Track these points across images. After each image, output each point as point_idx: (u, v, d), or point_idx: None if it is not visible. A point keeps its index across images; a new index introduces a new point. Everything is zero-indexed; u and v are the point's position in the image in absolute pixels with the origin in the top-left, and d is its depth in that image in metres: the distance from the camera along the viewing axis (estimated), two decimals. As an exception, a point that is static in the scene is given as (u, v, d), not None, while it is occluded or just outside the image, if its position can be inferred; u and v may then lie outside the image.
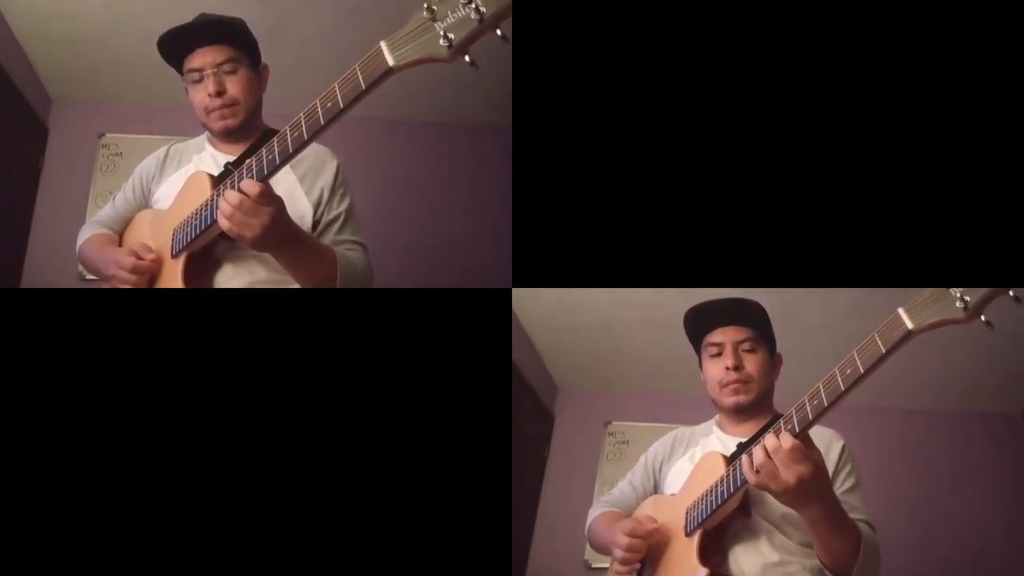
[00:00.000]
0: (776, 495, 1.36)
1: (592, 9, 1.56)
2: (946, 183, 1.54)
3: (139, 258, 1.55)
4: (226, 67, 1.60)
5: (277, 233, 1.39)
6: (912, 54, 1.54)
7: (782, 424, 1.36)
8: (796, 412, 1.35)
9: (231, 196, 1.36)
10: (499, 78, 1.84)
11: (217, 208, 1.40)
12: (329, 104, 1.28)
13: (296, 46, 2.32)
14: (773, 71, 1.55)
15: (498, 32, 1.17)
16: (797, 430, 1.33)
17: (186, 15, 1.67)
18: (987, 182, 1.53)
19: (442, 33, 1.17)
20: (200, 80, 1.61)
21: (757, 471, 1.35)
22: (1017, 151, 1.53)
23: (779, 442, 1.33)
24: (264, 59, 1.70)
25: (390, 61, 1.22)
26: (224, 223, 1.38)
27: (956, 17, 1.52)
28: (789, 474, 1.32)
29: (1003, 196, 1.53)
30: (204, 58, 1.60)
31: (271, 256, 1.51)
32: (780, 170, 1.56)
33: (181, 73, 1.65)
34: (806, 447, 1.34)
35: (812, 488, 1.33)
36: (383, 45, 1.22)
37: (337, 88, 1.28)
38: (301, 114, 1.31)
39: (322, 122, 1.29)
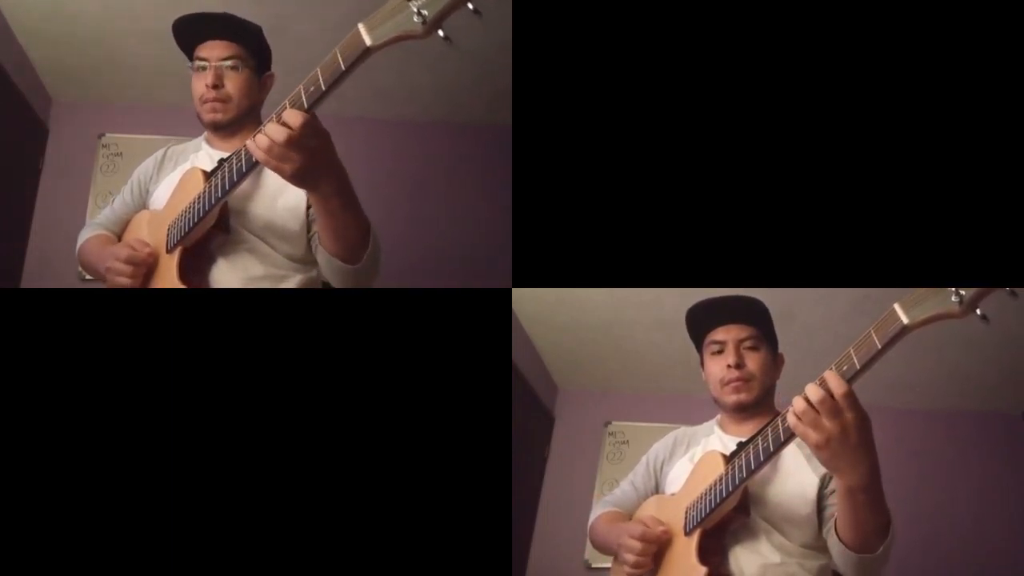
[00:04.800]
0: (818, 447, 1.24)
1: (592, 9, 1.57)
2: (946, 183, 1.54)
3: (134, 250, 1.56)
4: (229, 63, 1.64)
5: (319, 167, 1.34)
6: (912, 54, 1.54)
7: (779, 422, 1.36)
8: None
9: (274, 130, 1.30)
10: (499, 78, 1.84)
11: (255, 143, 1.34)
12: (312, 88, 1.30)
13: (296, 46, 2.32)
14: (773, 71, 1.55)
15: (470, 6, 1.20)
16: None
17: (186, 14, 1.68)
18: (987, 182, 1.53)
19: (416, 10, 1.21)
20: (204, 70, 1.64)
21: (799, 418, 1.24)
22: (1017, 151, 1.53)
23: (825, 390, 1.22)
24: (264, 61, 1.72)
25: (368, 41, 1.25)
26: (261, 156, 1.32)
27: (956, 17, 1.53)
28: (834, 423, 1.22)
29: (1003, 196, 1.53)
30: (211, 51, 1.64)
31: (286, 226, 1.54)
32: (780, 170, 1.56)
33: (190, 58, 1.68)
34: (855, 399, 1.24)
35: (855, 443, 1.23)
36: (360, 27, 1.25)
37: (319, 71, 1.30)
38: (286, 100, 1.33)
39: (306, 106, 1.30)
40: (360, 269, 1.49)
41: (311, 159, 1.31)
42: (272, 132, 1.30)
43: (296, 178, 1.34)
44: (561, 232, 1.58)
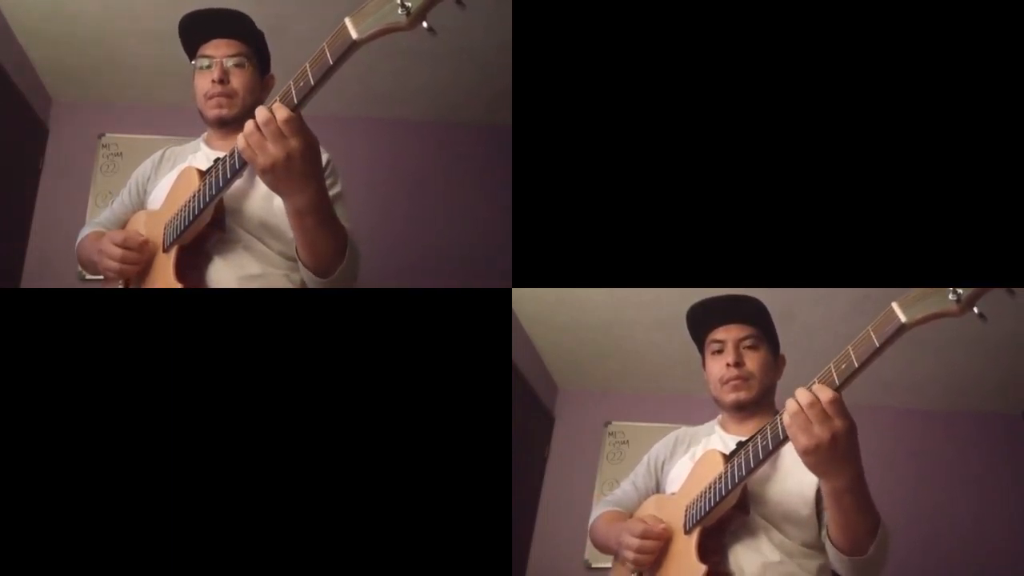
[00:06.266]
0: (805, 452, 1.28)
1: (592, 9, 1.57)
2: (946, 183, 1.54)
3: (129, 236, 1.58)
4: (234, 60, 1.65)
5: (293, 172, 1.33)
6: (912, 54, 1.54)
7: (778, 421, 1.36)
8: None
9: (260, 113, 1.31)
10: (499, 78, 1.84)
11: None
12: (302, 83, 1.32)
13: (296, 46, 2.32)
14: (773, 71, 1.55)
15: None
16: None
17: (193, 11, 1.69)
18: (987, 182, 1.53)
19: (399, 3, 1.22)
20: (208, 67, 1.65)
21: (790, 421, 1.28)
22: (1018, 151, 1.53)
23: (815, 395, 1.26)
24: (264, 59, 1.72)
25: (354, 34, 1.26)
26: (240, 142, 1.33)
27: (955, 17, 1.53)
28: (823, 429, 1.25)
29: (1003, 196, 1.53)
30: (217, 48, 1.66)
31: (268, 232, 1.55)
32: (780, 170, 1.56)
33: (191, 57, 1.69)
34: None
35: (843, 451, 1.26)
36: (347, 21, 1.27)
37: (308, 67, 1.31)
38: (277, 96, 1.34)
39: (296, 101, 1.32)
40: (331, 282, 1.50)
41: (287, 159, 1.31)
42: (257, 115, 1.31)
43: (269, 175, 1.33)
44: (561, 232, 1.58)
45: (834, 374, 1.28)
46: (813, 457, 1.28)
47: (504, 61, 1.60)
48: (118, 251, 1.56)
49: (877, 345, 1.24)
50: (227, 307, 1.43)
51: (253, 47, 1.68)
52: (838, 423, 1.26)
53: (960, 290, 1.18)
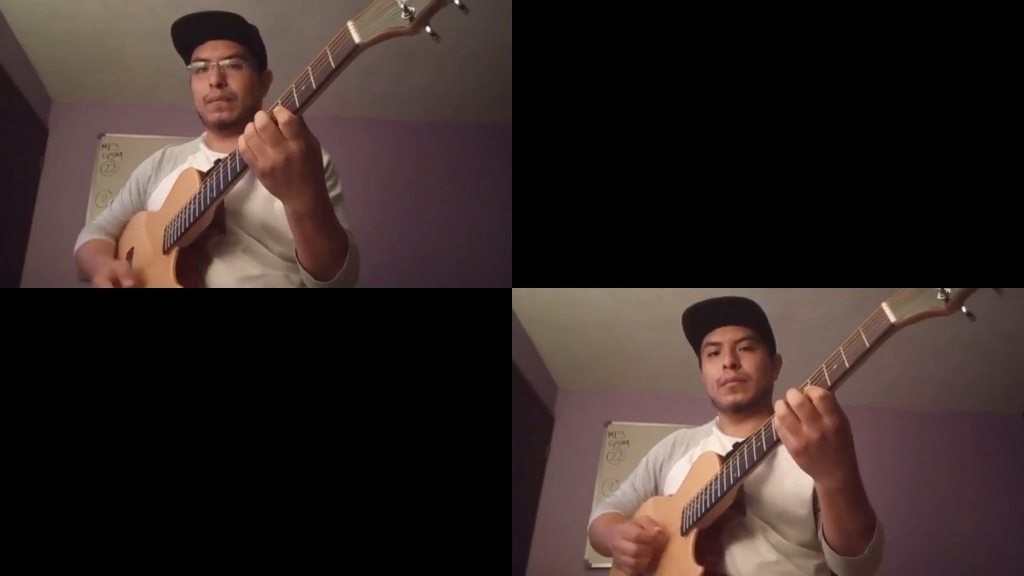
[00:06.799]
0: (796, 453, 1.28)
1: (592, 8, 1.57)
2: (947, 183, 1.54)
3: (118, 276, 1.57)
4: (231, 62, 1.64)
5: (292, 175, 1.33)
6: (914, 55, 1.54)
7: (771, 421, 1.37)
8: None
9: (259, 118, 1.32)
10: (499, 78, 1.84)
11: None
12: (304, 87, 1.32)
13: (296, 46, 2.32)
14: (773, 71, 1.55)
15: (456, 2, 1.21)
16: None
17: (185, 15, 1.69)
18: (988, 183, 1.53)
19: (402, 7, 1.22)
20: (205, 70, 1.64)
21: (779, 423, 1.27)
22: (1016, 152, 1.53)
23: (804, 395, 1.25)
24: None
25: (356, 39, 1.26)
26: (241, 144, 1.34)
27: (954, 18, 1.53)
28: (812, 429, 1.25)
29: (1003, 197, 1.53)
30: (213, 51, 1.64)
31: (270, 231, 1.55)
32: (780, 170, 1.56)
33: (187, 61, 1.68)
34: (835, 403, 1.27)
35: (834, 449, 1.25)
36: (350, 25, 1.27)
37: (310, 70, 1.32)
38: (279, 99, 1.34)
39: (297, 104, 1.32)
40: (331, 285, 1.50)
41: (287, 162, 1.32)
42: (256, 120, 1.32)
43: (268, 178, 1.33)
44: (561, 232, 1.58)
45: (826, 375, 1.28)
46: (804, 458, 1.28)
47: (504, 61, 1.60)
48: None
49: (867, 345, 1.24)
50: (227, 307, 1.43)
51: (248, 46, 1.67)
52: (827, 421, 1.25)
53: (948, 289, 1.19)
